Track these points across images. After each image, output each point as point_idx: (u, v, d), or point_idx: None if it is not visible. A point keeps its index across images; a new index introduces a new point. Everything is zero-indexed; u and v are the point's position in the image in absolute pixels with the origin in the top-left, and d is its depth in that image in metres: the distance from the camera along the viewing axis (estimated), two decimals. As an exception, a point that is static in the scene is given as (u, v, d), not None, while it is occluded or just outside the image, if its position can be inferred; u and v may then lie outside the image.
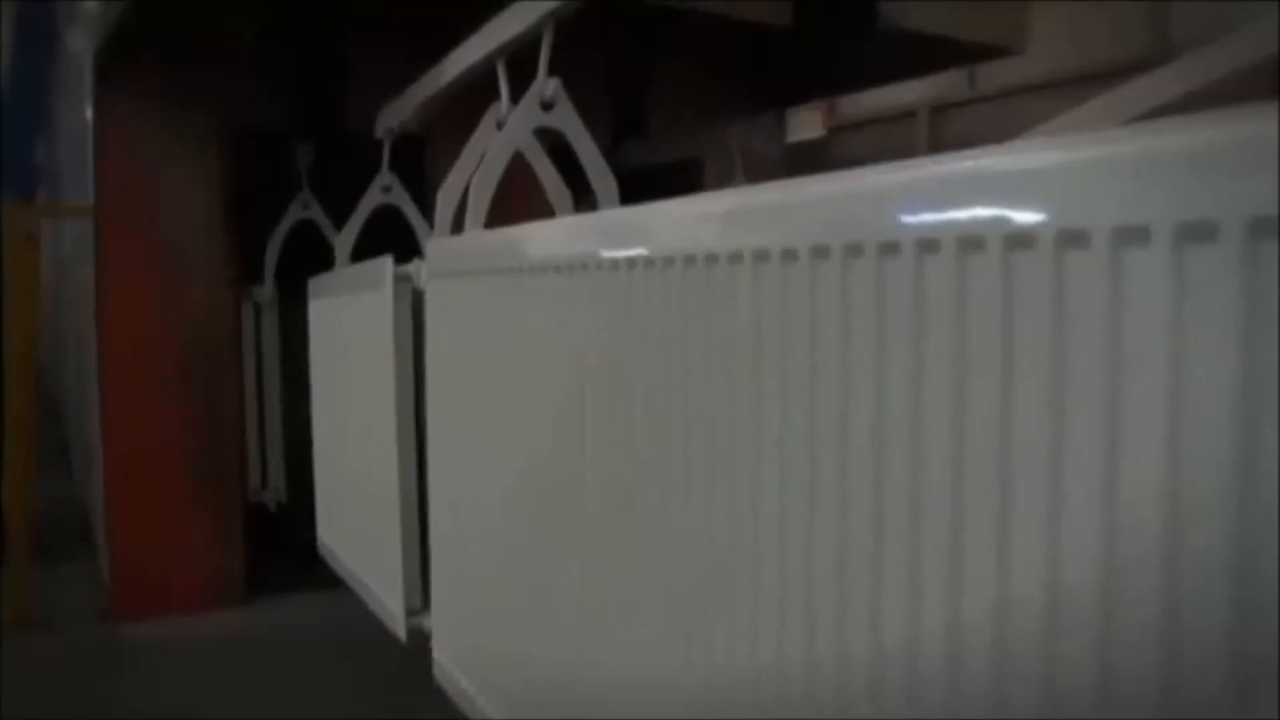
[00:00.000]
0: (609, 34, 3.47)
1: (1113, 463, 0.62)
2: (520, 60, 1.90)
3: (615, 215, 1.57)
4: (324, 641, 3.09)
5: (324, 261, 3.39)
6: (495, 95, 1.98)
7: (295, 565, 3.45)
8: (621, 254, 1.18)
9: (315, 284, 2.99)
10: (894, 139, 5.24)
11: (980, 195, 0.73)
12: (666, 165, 3.66)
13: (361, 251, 2.83)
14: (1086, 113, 1.62)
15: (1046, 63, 4.11)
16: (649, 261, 1.12)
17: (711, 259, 1.01)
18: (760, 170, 3.79)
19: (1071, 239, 0.66)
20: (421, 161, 3.38)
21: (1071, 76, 4.24)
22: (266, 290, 3.70)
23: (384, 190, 2.91)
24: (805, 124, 5.63)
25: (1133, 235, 0.62)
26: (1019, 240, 0.69)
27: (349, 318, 2.47)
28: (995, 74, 4.82)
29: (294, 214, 3.57)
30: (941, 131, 5.32)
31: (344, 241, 2.97)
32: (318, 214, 3.55)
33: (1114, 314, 0.63)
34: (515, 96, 1.88)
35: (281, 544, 3.54)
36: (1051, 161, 0.69)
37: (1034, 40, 3.77)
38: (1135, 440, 0.61)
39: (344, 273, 2.79)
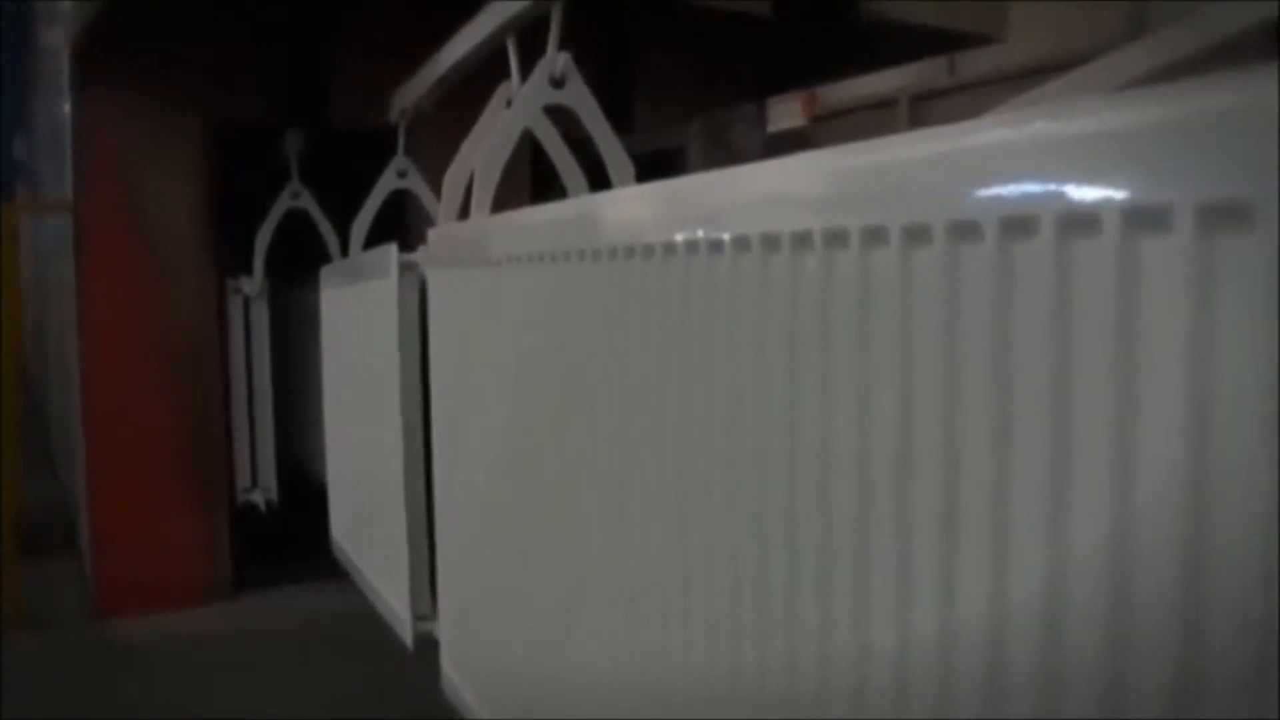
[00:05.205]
0: (592, 26, 3.46)
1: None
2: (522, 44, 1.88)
3: (617, 196, 1.52)
4: (315, 638, 3.08)
5: (316, 251, 3.37)
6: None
7: (285, 563, 3.45)
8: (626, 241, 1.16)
9: (326, 273, 2.96)
10: (875, 128, 5.26)
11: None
12: (650, 155, 3.67)
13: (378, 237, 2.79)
14: (1059, 89, 1.62)
15: (1026, 51, 4.13)
16: (649, 249, 1.11)
17: (735, 243, 0.96)
18: (743, 160, 3.79)
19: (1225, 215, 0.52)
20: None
21: (1050, 64, 4.26)
22: (255, 281, 3.66)
23: (399, 175, 2.88)
24: (786, 113, 5.64)
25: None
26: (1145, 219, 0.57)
27: (357, 308, 2.45)
28: (975, 62, 4.85)
29: (284, 203, 3.53)
30: (922, 120, 5.34)
31: (360, 224, 2.92)
32: (309, 203, 3.51)
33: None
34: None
35: (271, 543, 3.52)
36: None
37: (1013, 29, 3.80)
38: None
39: (352, 261, 2.77)
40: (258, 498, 3.73)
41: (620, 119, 1.84)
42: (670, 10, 3.22)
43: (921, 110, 5.51)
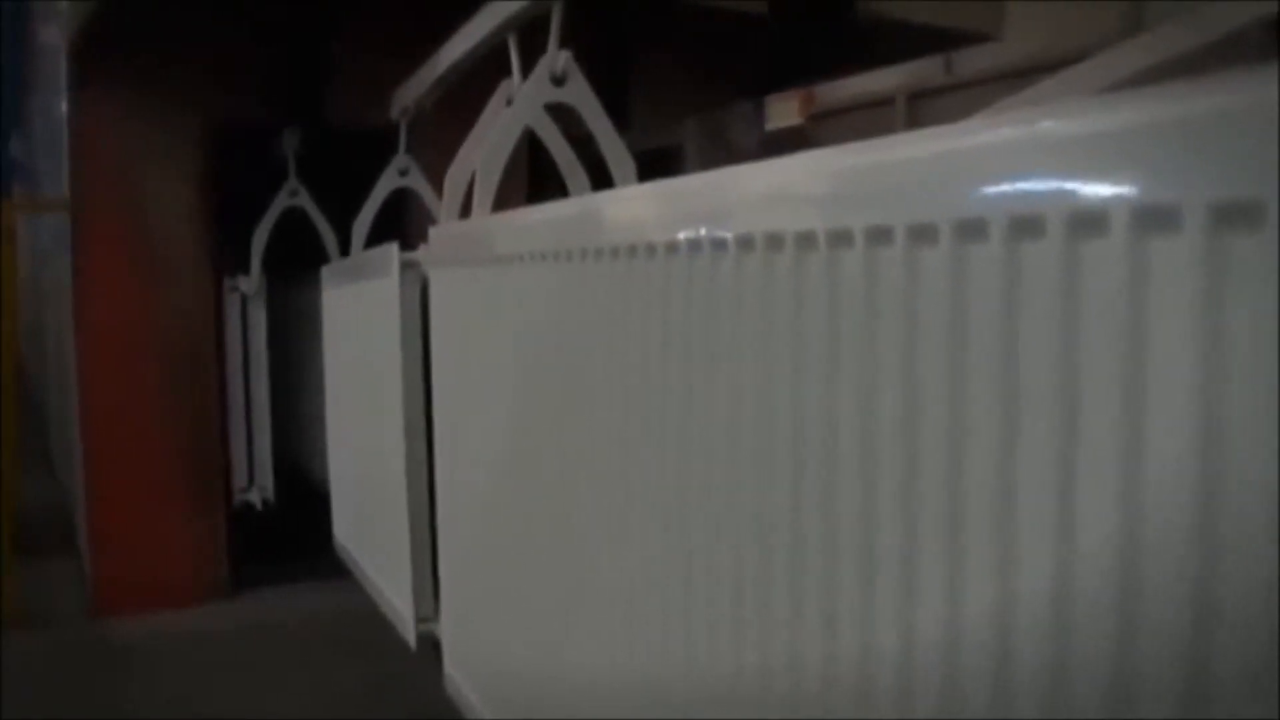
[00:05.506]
0: (590, 24, 3.46)
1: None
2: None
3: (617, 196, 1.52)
4: (315, 637, 3.08)
5: (314, 250, 3.37)
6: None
7: (282, 563, 3.45)
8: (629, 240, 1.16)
9: (327, 272, 2.96)
10: (871, 126, 5.26)
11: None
12: (647, 153, 3.66)
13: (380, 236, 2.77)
14: (1053, 88, 1.61)
15: (1023, 49, 4.13)
16: (651, 248, 1.11)
17: (744, 242, 0.94)
18: (740, 159, 3.80)
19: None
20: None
21: (1047, 63, 4.26)
22: (253, 280, 3.66)
23: (400, 173, 2.86)
24: (783, 112, 5.65)
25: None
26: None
27: (359, 307, 2.44)
28: (972, 61, 4.85)
29: (281, 202, 3.53)
30: (919, 119, 5.34)
31: (361, 223, 2.91)
32: (306, 201, 3.50)
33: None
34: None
35: (269, 542, 3.52)
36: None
37: (1010, 27, 3.80)
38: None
39: (353, 260, 2.76)
40: (254, 497, 3.73)
41: (618, 117, 1.84)
42: (668, 9, 3.22)
43: (918, 109, 5.51)
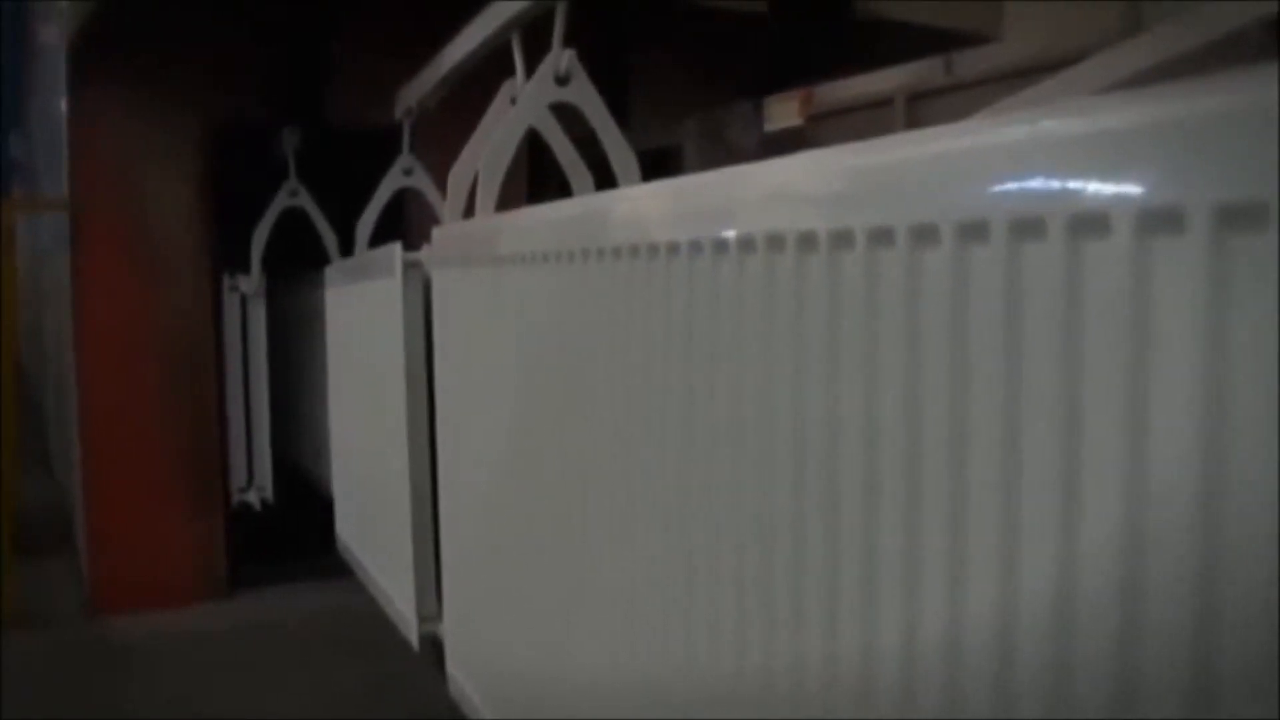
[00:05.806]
0: (590, 24, 3.46)
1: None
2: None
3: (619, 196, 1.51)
4: (315, 637, 3.08)
5: (314, 250, 3.37)
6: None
7: (280, 562, 3.46)
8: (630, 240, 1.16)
9: (330, 272, 2.96)
10: (871, 127, 5.26)
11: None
12: (646, 153, 3.66)
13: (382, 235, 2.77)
14: (1052, 88, 1.61)
15: (1023, 49, 4.13)
16: (654, 248, 1.11)
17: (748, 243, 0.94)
18: (740, 159, 3.80)
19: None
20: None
21: (1047, 64, 4.26)
22: (253, 280, 3.65)
23: (405, 173, 2.86)
24: (782, 112, 5.64)
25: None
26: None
27: (361, 307, 2.44)
28: (972, 62, 4.85)
29: (281, 201, 3.52)
30: (918, 119, 5.34)
31: (365, 223, 2.91)
32: (306, 201, 3.50)
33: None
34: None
35: (267, 542, 3.52)
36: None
37: (1009, 28, 3.80)
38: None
39: (357, 260, 2.76)
40: (253, 498, 3.72)
41: (617, 117, 1.84)
42: (668, 9, 3.22)
43: (918, 109, 5.51)
